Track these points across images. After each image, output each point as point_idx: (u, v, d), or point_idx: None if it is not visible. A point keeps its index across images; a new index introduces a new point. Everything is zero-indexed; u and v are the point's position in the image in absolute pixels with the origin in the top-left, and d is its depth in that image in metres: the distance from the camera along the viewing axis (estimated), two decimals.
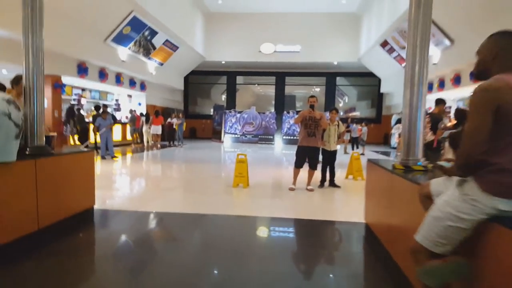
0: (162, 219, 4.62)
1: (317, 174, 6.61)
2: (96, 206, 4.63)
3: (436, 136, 5.56)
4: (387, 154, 15.59)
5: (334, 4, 19.19)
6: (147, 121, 15.83)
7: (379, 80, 22.65)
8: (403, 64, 15.68)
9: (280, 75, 24.14)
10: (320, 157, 6.60)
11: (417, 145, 3.35)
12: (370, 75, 22.77)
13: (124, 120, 16.57)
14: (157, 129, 14.88)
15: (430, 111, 7.08)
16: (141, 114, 16.22)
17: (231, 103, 23.94)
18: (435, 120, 5.58)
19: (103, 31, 12.28)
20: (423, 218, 2.17)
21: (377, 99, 23.44)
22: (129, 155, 12.80)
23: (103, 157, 10.69)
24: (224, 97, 25.18)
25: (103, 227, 4.26)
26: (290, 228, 4.47)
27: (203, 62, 21.55)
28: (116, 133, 15.55)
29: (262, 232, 4.24)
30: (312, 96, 6.12)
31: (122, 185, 7.10)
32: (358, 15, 19.95)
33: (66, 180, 3.76)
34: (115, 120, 13.38)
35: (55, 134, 4.31)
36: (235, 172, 6.48)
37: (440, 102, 5.87)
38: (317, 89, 30.26)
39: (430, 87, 14.29)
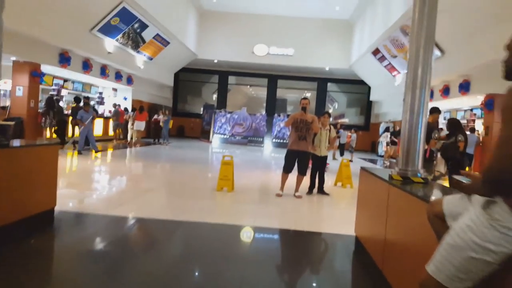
0: (133, 226, 4.18)
1: (306, 180, 6.28)
2: (59, 208, 4.07)
3: (429, 146, 5.31)
4: (374, 161, 15.43)
5: (328, 11, 19.06)
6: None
7: (369, 88, 22.63)
8: (394, 73, 15.64)
9: (272, 78, 23.87)
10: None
11: (417, 155, 3.06)
12: (360, 82, 22.74)
13: (107, 114, 16.01)
14: (141, 125, 14.42)
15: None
16: (125, 109, 15.68)
17: (222, 103, 23.54)
18: (429, 129, 5.32)
19: (89, 20, 11.77)
20: (428, 238, 1.84)
21: (366, 106, 23.40)
22: (110, 151, 12.29)
23: (79, 152, 10.18)
24: (215, 96, 24.76)
25: (62, 232, 3.72)
26: (274, 239, 4.13)
27: (195, 59, 21.12)
28: (98, 128, 15.00)
29: (242, 244, 3.88)
30: (305, 98, 5.82)
31: (96, 184, 6.65)
32: (351, 23, 19.88)
33: (21, 176, 3.26)
34: (96, 113, 12.87)
35: (11, 124, 3.83)
36: (220, 175, 6.11)
37: (435, 110, 5.63)
38: (308, 94, 30.24)
39: None
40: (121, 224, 4.12)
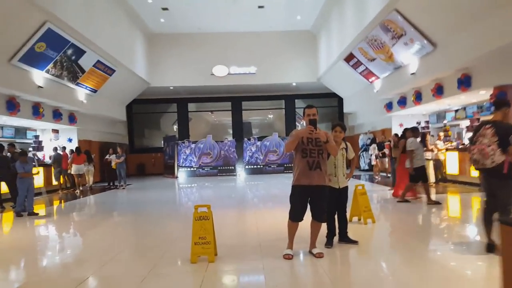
0: None
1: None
2: None
3: (509, 156, 3.55)
4: (357, 177, 13.84)
5: (289, 22, 17.85)
6: (89, 160, 12.93)
7: (341, 100, 21.53)
8: (371, 79, 14.42)
9: (236, 100, 22.13)
10: None
11: None
12: (330, 95, 21.64)
13: (47, 160, 13.30)
14: (79, 168, 12.23)
15: (487, 118, 5.20)
16: (77, 150, 12.99)
17: (184, 133, 21.32)
18: (504, 131, 3.59)
19: (6, 48, 9.39)
20: None
21: (338, 120, 22.20)
22: (53, 206, 9.76)
23: (18, 214, 7.68)
24: (175, 127, 22.52)
25: None
26: None
27: (148, 88, 18.92)
28: (37, 178, 12.23)
29: None
30: (311, 107, 3.91)
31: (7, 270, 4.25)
32: (314, 33, 18.82)
33: None
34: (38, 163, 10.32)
35: None
36: (194, 237, 3.95)
37: (503, 104, 3.82)
38: (270, 116, 28.87)
39: (404, 102, 12.97)
40: None
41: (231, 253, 4.33)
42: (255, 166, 18.34)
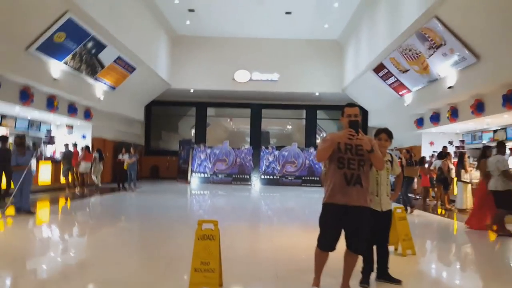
0: None
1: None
2: None
3: None
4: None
5: (315, 30, 17.25)
6: (100, 158, 12.69)
7: (365, 113, 20.62)
8: (402, 92, 13.53)
9: (255, 107, 21.54)
10: None
11: None
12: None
13: (57, 156, 12.99)
14: (87, 166, 12.01)
15: None
16: (87, 148, 12.60)
17: (201, 138, 20.83)
18: None
19: (24, 35, 9.12)
20: None
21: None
22: (56, 206, 9.32)
23: (18, 210, 7.17)
24: (193, 131, 22.10)
25: None
26: None
27: (168, 90, 18.58)
28: (45, 174, 11.92)
29: None
30: (352, 105, 3.16)
31: None
32: (341, 43, 18.14)
33: None
34: (37, 154, 9.94)
35: None
36: (194, 261, 3.13)
37: None
38: (289, 127, 28.15)
39: (437, 118, 12.02)
40: None
41: (239, 284, 3.59)
42: (271, 177, 17.58)
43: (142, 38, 14.30)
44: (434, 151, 13.29)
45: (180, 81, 18.38)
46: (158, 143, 22.54)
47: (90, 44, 11.14)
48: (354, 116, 3.06)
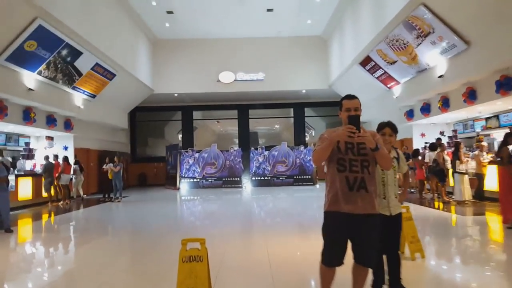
0: None
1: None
2: None
3: None
4: None
5: (299, 27, 16.98)
6: (81, 170, 12.33)
7: None
8: (390, 84, 13.34)
9: (242, 108, 21.17)
10: None
11: None
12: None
13: (38, 169, 12.36)
14: (67, 178, 11.59)
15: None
16: (66, 160, 11.98)
17: (188, 142, 20.33)
18: None
19: None
20: None
21: None
22: (39, 221, 8.77)
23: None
24: (180, 136, 21.59)
25: None
26: None
27: (152, 95, 18.05)
28: (25, 189, 11.30)
29: None
30: (351, 97, 2.75)
31: None
32: (325, 38, 17.91)
33: None
34: (8, 171, 9.33)
35: None
36: None
37: None
38: (277, 126, 27.87)
39: (427, 109, 11.84)
40: None
41: None
42: (262, 178, 17.23)
43: (121, 43, 13.78)
44: (426, 143, 13.14)
45: (164, 85, 17.88)
46: (144, 150, 21.97)
47: (64, 52, 10.58)
48: (354, 110, 2.68)
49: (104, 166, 12.26)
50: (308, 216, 8.67)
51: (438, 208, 8.64)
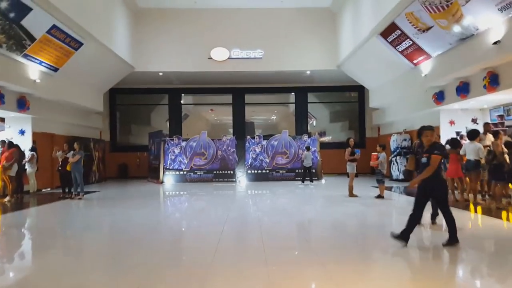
0: None
1: None
2: None
3: None
4: (388, 188, 10.30)
5: None
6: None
7: (361, 94, 18.18)
8: (417, 59, 10.97)
9: (237, 92, 18.79)
10: None
11: None
12: (350, 88, 18.42)
13: None
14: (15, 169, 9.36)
15: None
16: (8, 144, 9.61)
17: (176, 130, 17.92)
18: None
19: None
20: None
21: (359, 118, 18.81)
22: None
23: None
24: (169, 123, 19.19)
25: None
26: None
27: (133, 73, 15.57)
28: None
29: None
30: None
31: None
32: (334, 11, 15.50)
33: None
34: None
35: None
36: None
37: None
38: (274, 117, 25.78)
39: (465, 89, 9.54)
40: None
41: None
42: (259, 171, 14.95)
43: (88, 4, 11.25)
44: (457, 132, 10.92)
45: (146, 63, 15.41)
46: (127, 138, 19.61)
47: (4, 5, 8.10)
48: None
49: (55, 153, 9.88)
50: (326, 228, 6.37)
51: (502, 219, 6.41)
